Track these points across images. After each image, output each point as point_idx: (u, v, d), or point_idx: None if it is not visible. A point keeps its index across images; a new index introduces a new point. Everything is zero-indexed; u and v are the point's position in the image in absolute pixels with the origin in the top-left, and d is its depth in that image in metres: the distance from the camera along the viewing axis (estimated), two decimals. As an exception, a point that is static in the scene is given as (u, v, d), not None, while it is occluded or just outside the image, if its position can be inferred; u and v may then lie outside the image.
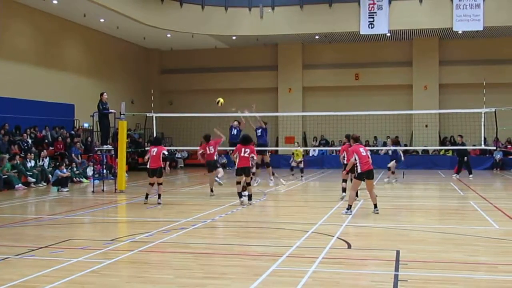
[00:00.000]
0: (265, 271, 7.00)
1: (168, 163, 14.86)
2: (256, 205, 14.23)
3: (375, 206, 12.27)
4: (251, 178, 14.88)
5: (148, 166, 14.50)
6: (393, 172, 21.06)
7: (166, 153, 14.49)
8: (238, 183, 13.94)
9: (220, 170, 17.00)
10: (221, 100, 18.40)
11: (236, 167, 14.09)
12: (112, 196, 16.71)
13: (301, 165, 23.68)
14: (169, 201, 15.29)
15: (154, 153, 14.32)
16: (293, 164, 24.03)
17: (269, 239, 9.67)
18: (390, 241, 9.22)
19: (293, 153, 24.59)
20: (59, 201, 16.05)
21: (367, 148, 13.93)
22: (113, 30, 29.45)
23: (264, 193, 16.75)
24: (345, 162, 14.67)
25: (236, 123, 18.91)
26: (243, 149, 13.79)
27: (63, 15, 26.46)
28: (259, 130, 19.08)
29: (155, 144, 14.79)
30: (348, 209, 12.10)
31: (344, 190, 15.13)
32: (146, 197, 14.42)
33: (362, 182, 12.41)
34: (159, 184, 14.39)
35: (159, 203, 14.02)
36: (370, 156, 12.42)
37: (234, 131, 18.57)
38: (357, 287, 6.48)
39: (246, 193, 15.08)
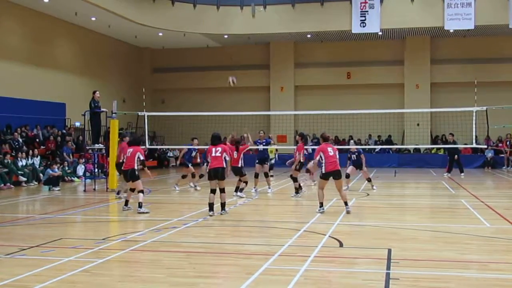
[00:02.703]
0: (257, 269, 6.99)
1: (146, 167, 13.18)
2: (248, 204, 14.23)
3: (346, 203, 12.24)
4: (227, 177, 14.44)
5: (122, 168, 13.25)
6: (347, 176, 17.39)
7: (142, 157, 12.80)
8: (212, 191, 12.06)
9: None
10: (232, 79, 17.85)
11: (207, 169, 12.88)
12: (104, 195, 16.63)
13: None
14: (160, 200, 15.25)
15: (129, 154, 12.85)
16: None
17: (261, 238, 9.69)
18: (382, 240, 9.24)
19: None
20: (51, 200, 15.98)
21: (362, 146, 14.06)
22: (105, 28, 29.34)
23: (256, 191, 16.73)
24: (301, 160, 15.57)
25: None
26: (213, 149, 12.31)
27: (55, 14, 26.35)
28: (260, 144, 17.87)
29: (133, 144, 13.21)
30: (320, 207, 12.21)
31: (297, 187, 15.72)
32: (126, 204, 12.86)
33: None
34: (138, 191, 12.61)
35: (139, 212, 12.24)
36: (337, 157, 12.39)
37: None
38: (349, 285, 6.48)
39: (238, 193, 15.07)
